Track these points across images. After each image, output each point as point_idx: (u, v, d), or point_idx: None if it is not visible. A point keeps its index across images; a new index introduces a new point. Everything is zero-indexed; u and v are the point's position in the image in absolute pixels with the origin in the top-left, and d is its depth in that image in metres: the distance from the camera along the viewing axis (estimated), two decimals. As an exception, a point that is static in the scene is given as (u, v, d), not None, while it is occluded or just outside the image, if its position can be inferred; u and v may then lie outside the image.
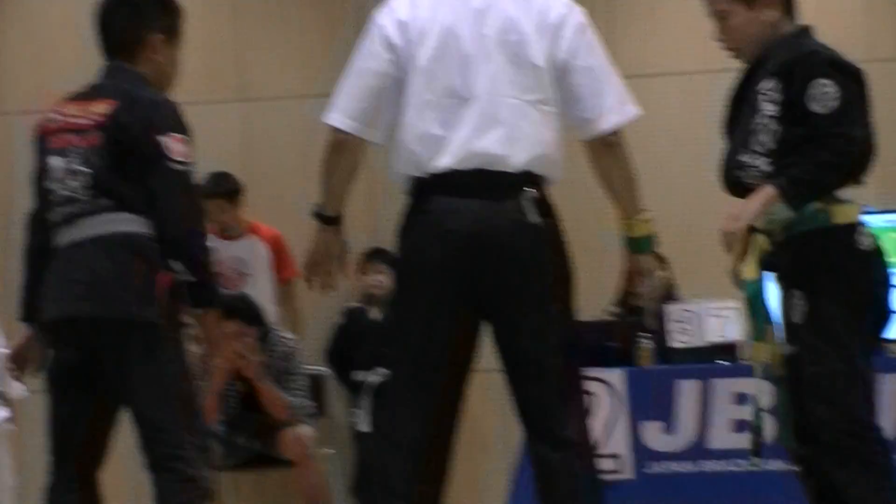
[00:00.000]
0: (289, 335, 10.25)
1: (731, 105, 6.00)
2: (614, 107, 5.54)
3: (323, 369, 11.40)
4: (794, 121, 5.66)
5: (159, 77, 6.02)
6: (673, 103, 11.85)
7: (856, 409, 5.78)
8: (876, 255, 5.89)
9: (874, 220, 9.16)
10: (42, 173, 5.90)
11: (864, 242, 5.85)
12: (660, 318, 10.17)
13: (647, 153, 10.81)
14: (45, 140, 5.92)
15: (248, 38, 12.23)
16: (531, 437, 5.58)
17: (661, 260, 10.53)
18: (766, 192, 5.59)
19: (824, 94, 5.69)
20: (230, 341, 9.85)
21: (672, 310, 9.91)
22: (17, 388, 11.07)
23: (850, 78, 5.77)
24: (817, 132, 5.65)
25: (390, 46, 5.56)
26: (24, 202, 11.75)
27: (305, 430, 10.37)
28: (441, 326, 5.50)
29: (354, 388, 11.22)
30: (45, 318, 5.85)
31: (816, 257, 5.91)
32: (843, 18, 11.91)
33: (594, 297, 10.53)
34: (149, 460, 5.81)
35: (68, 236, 5.82)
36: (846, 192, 5.85)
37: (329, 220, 5.79)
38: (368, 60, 5.59)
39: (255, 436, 10.29)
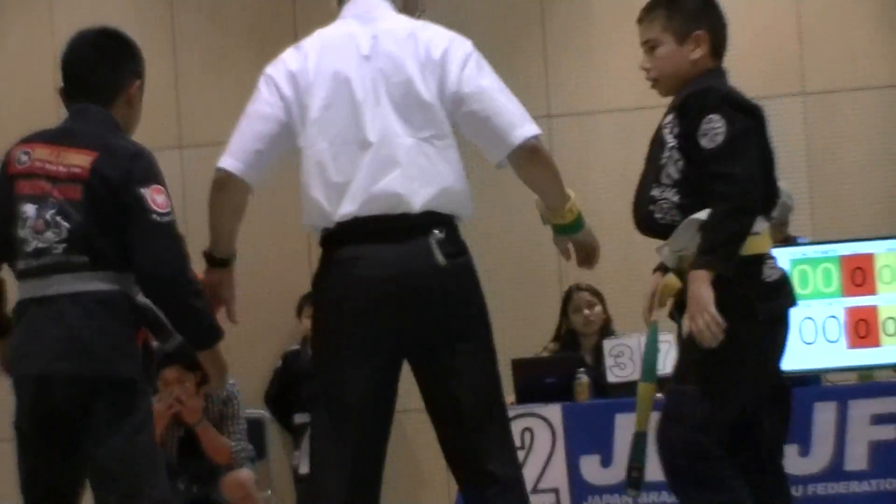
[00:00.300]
0: (228, 380, 10.25)
1: (651, 142, 6.12)
2: (518, 119, 5.55)
3: (262, 412, 11.43)
4: (690, 155, 5.82)
5: (130, 122, 6.01)
6: (608, 140, 11.95)
7: (701, 431, 5.92)
8: (781, 286, 6.03)
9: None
10: (11, 219, 5.79)
11: (769, 274, 5.97)
12: (597, 353, 10.24)
13: (584, 189, 10.83)
14: (15, 183, 5.83)
15: (188, 83, 12.29)
16: (460, 476, 5.62)
17: (597, 295, 10.64)
18: (701, 276, 5.77)
19: (712, 129, 5.82)
20: (171, 387, 9.89)
21: (609, 344, 9.95)
22: None
23: (742, 114, 5.89)
24: (703, 169, 5.80)
25: (280, 95, 5.60)
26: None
27: (246, 474, 10.40)
28: (364, 368, 5.49)
29: (295, 431, 11.29)
30: (18, 373, 5.80)
31: (721, 288, 5.90)
32: (779, 52, 12.21)
33: (532, 335, 10.67)
34: None
35: (40, 290, 5.76)
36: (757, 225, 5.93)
37: (218, 261, 5.79)
38: (258, 106, 5.63)
39: (194, 480, 10.22)
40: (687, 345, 6.07)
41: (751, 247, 5.92)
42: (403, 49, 5.55)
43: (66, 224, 5.67)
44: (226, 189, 5.61)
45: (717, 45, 6.14)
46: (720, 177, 5.74)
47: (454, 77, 5.50)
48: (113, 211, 5.68)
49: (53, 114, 6.40)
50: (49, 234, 5.69)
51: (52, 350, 5.67)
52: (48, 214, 5.70)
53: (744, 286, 5.90)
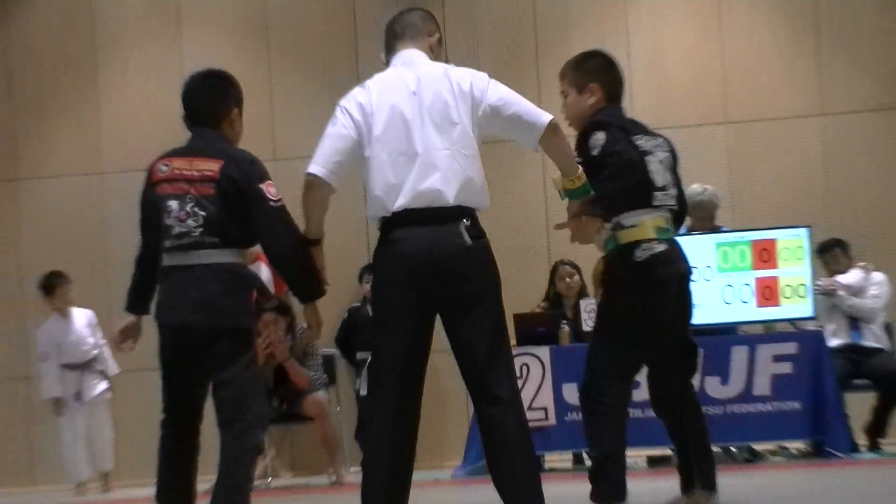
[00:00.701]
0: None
1: None
2: (537, 111, 5.63)
3: (333, 351, 11.66)
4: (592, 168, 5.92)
5: (234, 139, 6.01)
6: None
7: (593, 376, 6.05)
8: (651, 263, 5.99)
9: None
10: (158, 213, 5.80)
11: (640, 255, 5.97)
12: (575, 310, 10.55)
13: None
14: (159, 185, 5.83)
15: (280, 108, 12.51)
16: (474, 397, 5.55)
17: (576, 268, 10.73)
18: (588, 218, 5.88)
19: (595, 141, 5.96)
20: (268, 327, 10.06)
21: (584, 304, 10.23)
22: (112, 367, 11.36)
23: (611, 129, 5.99)
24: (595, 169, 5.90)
25: (353, 120, 5.59)
26: (118, 247, 12.02)
27: (321, 395, 10.74)
28: (407, 324, 5.51)
29: (357, 364, 11.52)
30: (163, 321, 5.81)
31: (606, 270, 6.21)
32: (707, 90, 12.03)
33: (528, 297, 10.83)
34: (221, 419, 5.76)
35: (182, 260, 5.76)
36: (632, 219, 6.04)
37: (312, 242, 5.81)
38: (336, 128, 5.58)
39: (284, 400, 10.54)
40: (599, 312, 6.35)
41: (626, 237, 6.04)
42: (440, 85, 5.60)
43: (202, 213, 5.70)
44: (314, 188, 5.63)
45: (612, 93, 6.19)
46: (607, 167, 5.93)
47: (481, 97, 5.57)
48: (239, 202, 5.72)
49: (150, 143, 6.50)
50: (189, 222, 5.71)
51: (191, 307, 5.72)
52: (188, 207, 5.72)
53: (620, 267, 6.08)
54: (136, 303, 6.05)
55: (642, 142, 6.08)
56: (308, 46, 12.77)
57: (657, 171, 6.09)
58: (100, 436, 11.63)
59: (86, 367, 11.58)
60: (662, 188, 6.10)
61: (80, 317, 11.67)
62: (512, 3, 12.57)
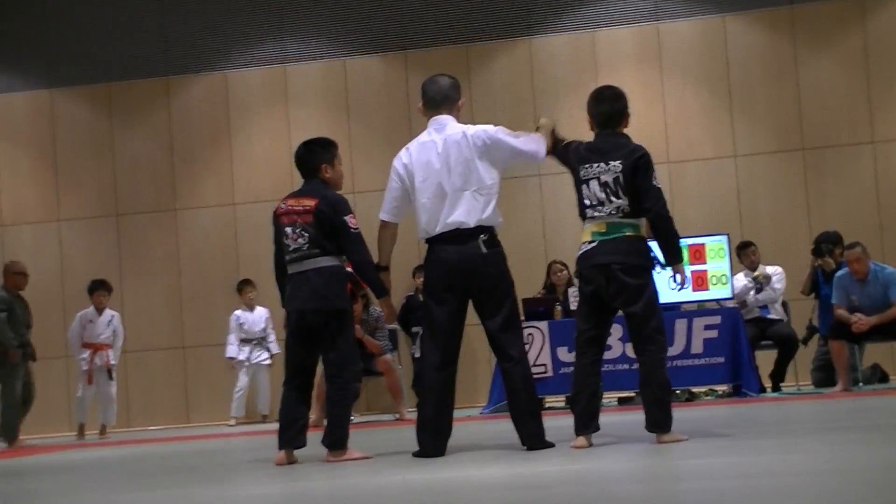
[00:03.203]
0: (378, 308, 10.31)
1: None
2: (526, 141, 5.61)
3: (396, 326, 11.56)
4: None
5: (335, 183, 5.97)
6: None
7: (576, 337, 5.52)
8: (581, 258, 5.49)
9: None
10: (281, 235, 5.89)
11: (579, 250, 5.51)
12: (565, 295, 10.46)
13: (559, 214, 10.73)
14: (280, 218, 5.92)
15: (359, 156, 12.29)
16: (497, 355, 5.69)
17: (564, 266, 10.68)
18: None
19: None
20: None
21: (571, 291, 10.15)
22: (274, 346, 11.50)
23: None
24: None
25: (400, 177, 5.71)
26: (248, 266, 12.01)
27: (388, 357, 10.67)
28: (446, 306, 5.60)
29: (412, 336, 11.42)
30: (288, 308, 5.89)
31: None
32: (651, 135, 11.71)
33: (531, 286, 10.84)
34: (328, 375, 5.87)
35: (297, 268, 5.83)
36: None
37: (382, 268, 5.87)
38: (391, 183, 5.74)
39: (363, 361, 10.31)
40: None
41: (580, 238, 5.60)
42: (460, 145, 5.61)
43: (306, 234, 5.78)
44: (384, 227, 5.81)
45: (596, 122, 5.56)
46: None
47: (480, 142, 5.57)
48: (330, 228, 5.77)
49: (284, 191, 6.48)
50: (300, 241, 5.81)
51: (306, 297, 5.79)
52: (297, 231, 5.81)
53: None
54: (285, 300, 6.03)
55: (583, 172, 5.45)
56: (375, 111, 12.65)
57: (592, 191, 5.42)
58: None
59: (257, 342, 11.94)
60: (596, 205, 5.42)
61: (260, 310, 12.04)
62: (516, 73, 12.39)
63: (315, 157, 5.97)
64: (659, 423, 5.30)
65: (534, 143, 5.63)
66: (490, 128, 5.65)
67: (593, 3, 12.50)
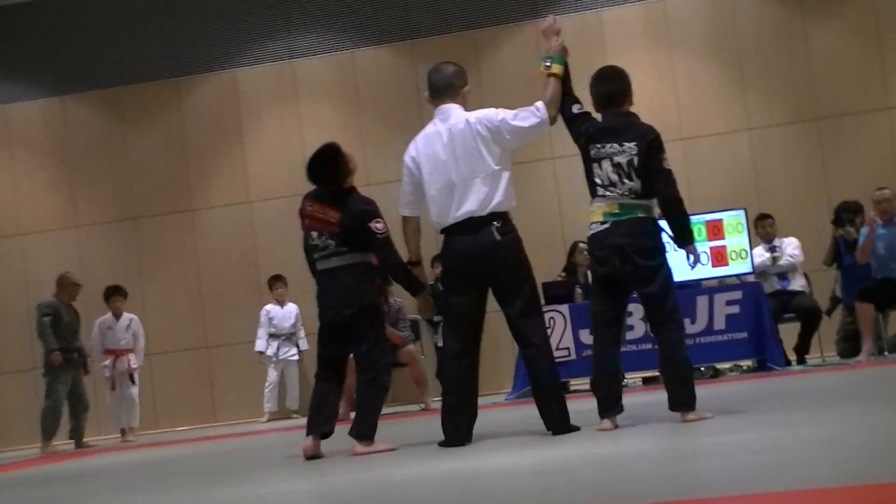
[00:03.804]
0: (398, 299, 10.36)
1: None
2: (525, 113, 5.56)
3: (417, 317, 11.47)
4: None
5: (348, 174, 5.95)
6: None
7: (592, 318, 5.55)
8: (593, 238, 5.44)
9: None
10: (308, 237, 5.97)
11: (590, 230, 5.45)
12: (585, 278, 10.43)
13: (574, 199, 10.63)
14: (307, 219, 5.99)
15: (369, 151, 12.31)
16: (518, 342, 5.70)
17: (581, 251, 10.61)
18: None
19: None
20: None
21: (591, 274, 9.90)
22: (303, 343, 11.59)
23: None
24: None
25: (409, 171, 5.74)
26: (266, 263, 12.04)
27: (411, 347, 10.73)
28: (465, 296, 5.61)
29: (434, 325, 11.36)
30: (320, 305, 5.95)
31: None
32: (665, 112, 11.81)
33: (551, 270, 10.76)
34: (360, 368, 5.88)
35: (326, 265, 5.91)
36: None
37: (414, 263, 5.88)
38: (404, 178, 5.77)
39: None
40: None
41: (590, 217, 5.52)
42: (464, 133, 5.60)
43: (332, 241, 5.82)
44: (406, 223, 5.84)
45: (597, 102, 5.57)
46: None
47: (484, 128, 5.55)
48: (358, 234, 5.82)
49: (299, 187, 6.53)
50: (327, 241, 5.85)
51: (336, 294, 5.86)
52: (324, 236, 5.86)
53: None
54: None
55: (594, 151, 5.41)
56: (385, 101, 12.66)
57: (604, 172, 5.36)
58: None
59: (286, 338, 12.00)
60: (608, 185, 5.36)
61: (290, 306, 12.10)
62: (525, 57, 12.12)
63: (335, 162, 5.92)
64: (683, 402, 5.28)
65: (535, 116, 5.57)
66: (492, 112, 5.63)
67: (599, -17, 12.59)
